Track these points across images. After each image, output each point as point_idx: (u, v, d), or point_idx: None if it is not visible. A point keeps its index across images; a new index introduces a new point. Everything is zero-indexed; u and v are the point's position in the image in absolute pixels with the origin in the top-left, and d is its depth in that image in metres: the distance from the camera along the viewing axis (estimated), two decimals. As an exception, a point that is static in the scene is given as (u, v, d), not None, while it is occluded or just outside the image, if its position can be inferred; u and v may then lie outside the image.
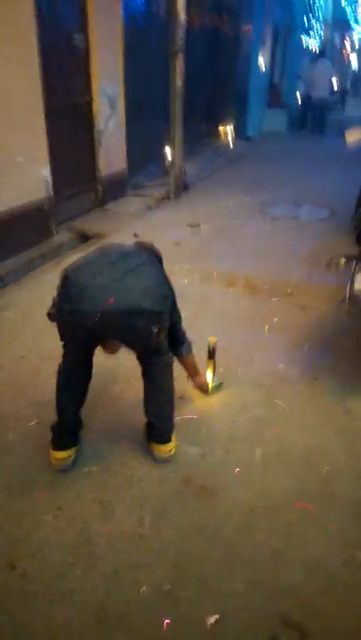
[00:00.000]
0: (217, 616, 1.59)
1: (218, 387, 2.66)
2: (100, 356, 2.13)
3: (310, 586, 1.69)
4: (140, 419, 2.24)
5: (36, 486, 2.06)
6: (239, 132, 10.47)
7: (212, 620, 1.58)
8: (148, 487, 2.07)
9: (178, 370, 2.33)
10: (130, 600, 1.64)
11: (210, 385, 2.62)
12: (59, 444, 2.13)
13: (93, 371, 2.14)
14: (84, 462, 2.17)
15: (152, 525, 1.90)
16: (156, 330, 1.89)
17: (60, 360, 2.09)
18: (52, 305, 1.91)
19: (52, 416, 2.15)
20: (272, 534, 1.87)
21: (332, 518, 1.94)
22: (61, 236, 4.76)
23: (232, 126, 10.07)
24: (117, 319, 1.81)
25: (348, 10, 18.88)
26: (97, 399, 2.54)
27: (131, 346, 2.05)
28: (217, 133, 9.91)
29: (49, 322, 1.94)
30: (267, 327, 3.32)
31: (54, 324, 1.94)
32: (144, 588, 1.67)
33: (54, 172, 4.55)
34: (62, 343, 2.02)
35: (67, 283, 1.83)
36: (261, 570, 1.74)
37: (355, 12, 20.27)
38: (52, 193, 4.55)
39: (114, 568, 1.73)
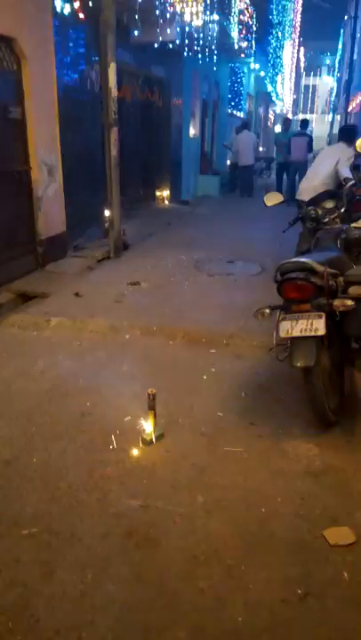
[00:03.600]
0: (161, 667, 1.59)
1: (159, 437, 2.71)
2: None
3: (252, 627, 1.72)
4: (80, 474, 2.24)
5: (-27, 552, 2.00)
6: (175, 196, 11.06)
7: (156, 672, 1.58)
8: (90, 544, 2.05)
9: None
10: (72, 661, 1.60)
11: (151, 435, 2.67)
12: None
13: None
14: (23, 524, 2.14)
15: (94, 581, 1.88)
16: None
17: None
18: None
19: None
20: (214, 579, 1.90)
21: (271, 558, 2.00)
22: (1, 298, 4.77)
23: (168, 191, 10.63)
24: None
25: (269, 86, 20.87)
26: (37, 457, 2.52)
27: None
28: (154, 197, 10.42)
29: None
30: (205, 377, 3.45)
31: None
32: (86, 647, 1.64)
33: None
34: None
35: None
36: (205, 616, 1.76)
37: (275, 88, 22.42)
38: (-11, 256, 4.61)
39: (55, 629, 1.69)
